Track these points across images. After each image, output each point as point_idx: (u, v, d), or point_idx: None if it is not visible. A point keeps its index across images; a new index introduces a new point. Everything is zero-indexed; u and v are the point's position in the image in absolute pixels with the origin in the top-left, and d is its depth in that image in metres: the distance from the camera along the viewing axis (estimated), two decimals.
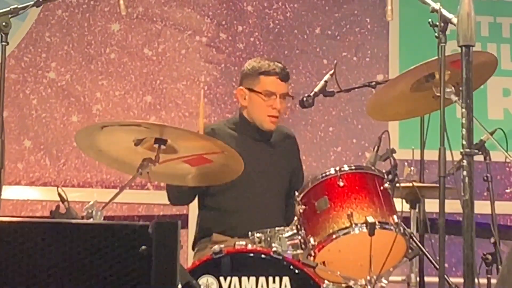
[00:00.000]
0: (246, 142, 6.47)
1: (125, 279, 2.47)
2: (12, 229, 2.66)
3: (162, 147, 5.47)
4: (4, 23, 5.54)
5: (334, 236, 5.66)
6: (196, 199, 6.84)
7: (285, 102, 6.79)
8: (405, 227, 5.86)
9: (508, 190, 6.56)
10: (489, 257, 6.36)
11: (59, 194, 5.52)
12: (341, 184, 5.78)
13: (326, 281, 5.54)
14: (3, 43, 5.59)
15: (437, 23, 5.22)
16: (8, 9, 5.64)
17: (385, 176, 5.89)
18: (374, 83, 6.61)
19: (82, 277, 2.49)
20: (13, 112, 8.05)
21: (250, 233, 5.81)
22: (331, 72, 6.57)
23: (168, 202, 6.94)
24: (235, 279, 5.40)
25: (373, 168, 5.98)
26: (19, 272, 2.52)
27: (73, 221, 3.84)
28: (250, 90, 6.76)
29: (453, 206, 5.27)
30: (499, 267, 6.15)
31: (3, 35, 5.56)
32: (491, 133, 6.15)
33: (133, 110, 8.37)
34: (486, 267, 6.42)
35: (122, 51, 8.53)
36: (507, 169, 6.45)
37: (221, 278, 5.38)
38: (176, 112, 8.35)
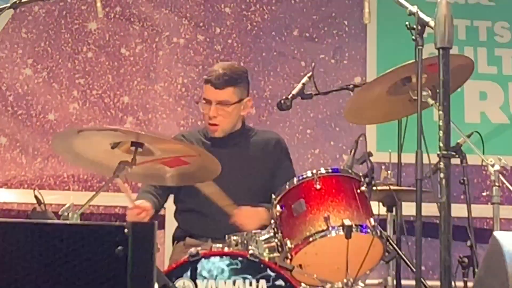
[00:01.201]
0: (215, 149, 6.47)
1: (101, 280, 2.47)
2: None
3: (139, 149, 5.48)
4: None
5: (310, 239, 5.68)
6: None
7: (225, 109, 6.78)
8: (382, 230, 5.90)
9: (484, 193, 6.60)
10: (466, 260, 6.39)
11: (36, 197, 5.55)
12: (318, 187, 5.81)
13: (303, 284, 5.58)
14: None
15: (415, 26, 5.26)
16: None
17: (362, 179, 5.92)
18: (351, 86, 6.65)
19: (58, 278, 2.49)
20: None
21: (226, 236, 5.84)
22: (309, 74, 6.58)
23: None
24: (211, 282, 5.42)
25: (350, 171, 6.00)
26: None
27: (49, 221, 3.82)
28: (202, 99, 6.91)
29: (430, 209, 5.25)
30: (476, 270, 6.19)
31: None
32: (468, 136, 6.19)
33: (110, 110, 8.36)
34: (462, 270, 6.46)
35: (99, 50, 8.53)
36: (484, 172, 6.49)
37: (198, 281, 5.40)
38: (153, 113, 8.36)
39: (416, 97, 5.33)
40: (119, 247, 2.47)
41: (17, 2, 6.05)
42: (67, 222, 4.50)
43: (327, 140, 8.27)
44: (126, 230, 2.49)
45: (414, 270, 5.56)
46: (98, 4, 6.13)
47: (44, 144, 8.14)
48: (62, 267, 2.50)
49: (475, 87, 8.24)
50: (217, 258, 5.53)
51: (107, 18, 8.43)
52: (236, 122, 6.90)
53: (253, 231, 5.92)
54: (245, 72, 6.98)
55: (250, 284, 5.44)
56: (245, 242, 5.72)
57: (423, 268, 5.60)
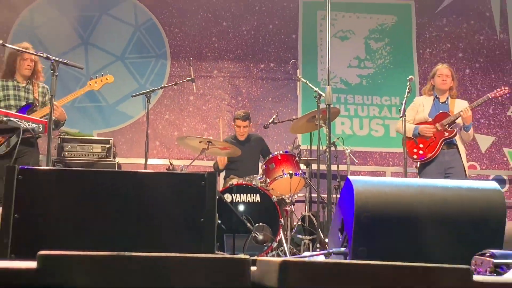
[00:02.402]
0: (238, 144, 6.42)
1: (196, 196, 2.41)
2: (149, 176, 2.60)
3: (210, 144, 5.58)
4: (149, 95, 5.49)
5: (276, 178, 5.71)
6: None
7: (246, 129, 6.81)
8: (305, 175, 5.87)
9: (344, 161, 6.56)
10: (337, 186, 6.34)
11: (170, 162, 5.54)
12: (279, 158, 5.84)
13: (273, 196, 5.55)
14: (148, 103, 5.54)
15: (316, 96, 5.27)
16: (150, 90, 5.61)
17: (296, 155, 5.93)
18: (293, 119, 6.66)
19: (179, 197, 2.44)
20: (151, 131, 7.83)
21: (244, 177, 5.86)
22: (276, 115, 6.66)
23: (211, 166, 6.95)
24: (237, 195, 5.47)
25: (292, 152, 6.00)
26: (153, 196, 2.47)
27: (175, 172, 3.73)
28: (234, 125, 6.89)
29: (323, 167, 5.32)
30: (340, 190, 6.16)
31: (148, 99, 5.51)
32: (337, 139, 6.18)
33: (197, 131, 8.20)
34: (335, 190, 6.40)
35: (194, 108, 8.34)
36: (344, 153, 6.44)
37: (233, 194, 5.44)
38: (215, 131, 8.15)
39: (317, 123, 5.28)
40: (203, 182, 2.42)
41: (163, 86, 6.11)
42: (183, 172, 4.41)
43: (282, 140, 8.08)
44: (205, 175, 2.45)
45: (316, 190, 5.56)
46: (194, 87, 6.09)
47: (173, 143, 8.00)
48: (180, 192, 2.45)
49: (340, 120, 8.14)
50: (241, 185, 5.54)
51: (197, 94, 8.28)
52: (247, 133, 6.83)
53: (254, 175, 5.95)
54: (249, 114, 6.90)
55: (252, 195, 5.47)
56: (251, 179, 5.74)
57: (320, 190, 5.53)
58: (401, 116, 5.42)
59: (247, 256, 1.21)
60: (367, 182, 2.90)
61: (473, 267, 2.17)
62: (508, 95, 6.06)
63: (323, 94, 5.19)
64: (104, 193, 2.39)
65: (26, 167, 2.27)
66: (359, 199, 2.77)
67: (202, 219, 2.36)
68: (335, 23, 8.53)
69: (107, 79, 5.52)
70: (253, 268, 1.31)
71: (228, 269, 1.20)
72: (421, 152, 5.72)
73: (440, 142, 5.65)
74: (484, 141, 8.27)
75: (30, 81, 5.52)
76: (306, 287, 1.18)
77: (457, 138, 5.67)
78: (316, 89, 5.54)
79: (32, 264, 1.29)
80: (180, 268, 1.27)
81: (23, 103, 5.42)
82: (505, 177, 8.13)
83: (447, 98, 5.84)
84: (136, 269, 1.28)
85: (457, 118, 5.61)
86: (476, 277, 1.19)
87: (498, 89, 5.78)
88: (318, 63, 8.54)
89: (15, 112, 4.92)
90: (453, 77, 5.84)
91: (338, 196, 6.20)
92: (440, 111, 5.75)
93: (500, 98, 5.93)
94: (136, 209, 2.38)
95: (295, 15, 8.60)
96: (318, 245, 5.31)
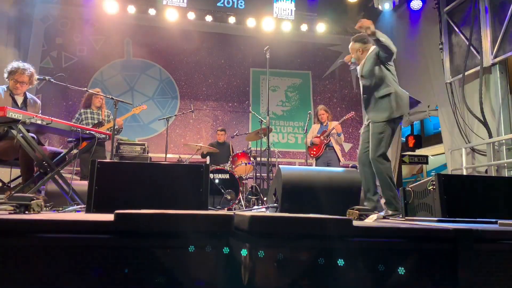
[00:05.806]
0: (218, 146, 6.16)
1: (198, 177, 2.34)
2: (173, 166, 2.50)
3: (201, 146, 5.28)
4: (168, 119, 5.24)
5: (238, 165, 5.45)
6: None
7: (224, 136, 6.45)
8: (253, 163, 5.69)
9: (274, 156, 6.46)
10: (270, 170, 6.25)
11: (179, 156, 5.38)
12: (240, 154, 5.58)
13: (236, 175, 5.37)
14: (167, 123, 5.29)
15: (259, 121, 5.16)
16: (168, 116, 5.35)
17: (249, 153, 5.68)
18: (246, 133, 6.34)
19: (189, 177, 2.35)
20: (169, 138, 7.50)
21: (220, 164, 5.60)
22: (237, 131, 6.53)
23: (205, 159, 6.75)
24: (216, 174, 5.23)
25: (246, 151, 5.74)
26: (174, 177, 2.35)
27: (180, 163, 3.61)
28: (217, 134, 6.51)
29: (263, 159, 5.19)
30: (272, 174, 6.11)
31: (167, 121, 5.26)
32: (271, 144, 6.06)
33: (194, 139, 7.96)
34: (272, 175, 6.32)
35: (193, 126, 8.03)
36: (274, 152, 6.36)
37: (214, 174, 5.21)
38: (204, 139, 7.99)
39: (260, 136, 5.21)
40: (201, 169, 2.35)
41: (176, 114, 5.76)
42: (185, 163, 4.27)
43: (241, 144, 7.97)
44: (203, 165, 2.37)
45: (259, 172, 5.42)
46: (193, 115, 5.93)
47: (181, 145, 7.74)
48: (189, 174, 2.36)
49: (272, 134, 8.02)
50: (218, 169, 5.31)
51: (194, 119, 8.05)
52: (224, 139, 6.53)
53: (225, 163, 5.65)
54: (225, 129, 6.67)
55: (224, 174, 5.26)
56: (224, 166, 5.46)
57: (264, 175, 5.45)
58: (304, 132, 5.50)
59: (232, 213, 1.20)
60: (289, 168, 2.93)
61: (348, 216, 2.22)
62: (353, 116, 6.29)
63: (264, 120, 5.20)
64: (146, 175, 2.31)
65: (102, 160, 2.18)
66: (285, 177, 2.80)
67: (201, 190, 2.32)
68: (269, 82, 8.58)
69: (142, 107, 5.44)
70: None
71: (221, 220, 1.18)
72: (314, 152, 5.86)
73: (323, 146, 5.79)
74: (347, 146, 8.51)
75: (100, 109, 5.45)
76: (263, 229, 1.17)
77: (333, 143, 5.82)
78: (260, 117, 5.55)
79: (109, 217, 1.24)
80: (193, 220, 1.24)
81: (96, 121, 5.32)
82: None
83: (327, 123, 6.00)
84: (170, 220, 1.25)
85: (331, 131, 5.78)
86: (354, 222, 1.21)
87: (348, 114, 6.02)
88: (260, 103, 8.52)
89: (91, 127, 4.84)
90: (327, 112, 5.99)
91: (272, 176, 6.15)
92: (323, 130, 5.92)
93: (351, 118, 6.15)
94: (165, 184, 2.31)
95: (248, 77, 8.57)
96: (260, 202, 5.31)
